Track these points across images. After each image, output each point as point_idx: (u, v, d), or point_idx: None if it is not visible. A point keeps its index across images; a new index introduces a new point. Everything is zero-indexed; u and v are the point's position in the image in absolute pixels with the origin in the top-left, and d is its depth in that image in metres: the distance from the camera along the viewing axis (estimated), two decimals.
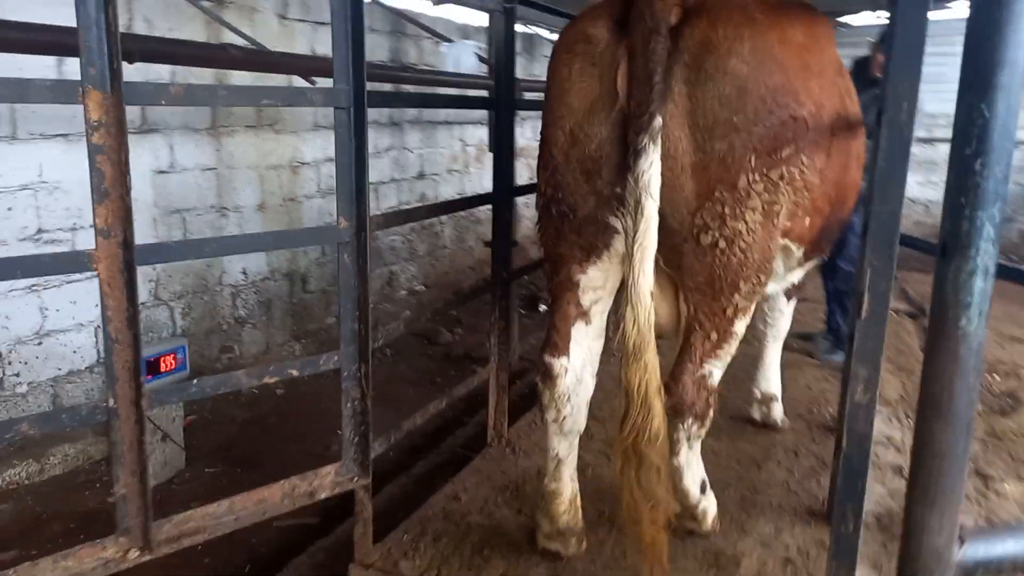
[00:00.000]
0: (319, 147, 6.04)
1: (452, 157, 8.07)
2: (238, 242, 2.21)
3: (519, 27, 8.85)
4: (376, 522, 3.50)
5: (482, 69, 5.94)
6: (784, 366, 4.71)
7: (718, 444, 3.78)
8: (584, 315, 2.69)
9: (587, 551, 2.90)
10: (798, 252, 2.90)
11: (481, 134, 8.47)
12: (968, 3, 1.18)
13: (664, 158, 2.31)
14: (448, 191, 8.08)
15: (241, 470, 4.54)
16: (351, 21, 2.31)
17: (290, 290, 5.89)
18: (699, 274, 2.50)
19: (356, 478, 2.62)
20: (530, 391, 5.43)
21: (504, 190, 3.46)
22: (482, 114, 8.38)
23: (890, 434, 4.90)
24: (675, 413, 2.64)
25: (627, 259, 2.31)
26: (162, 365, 3.98)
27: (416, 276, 7.63)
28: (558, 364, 2.69)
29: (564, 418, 2.76)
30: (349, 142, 2.40)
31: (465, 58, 5.69)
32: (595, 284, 2.65)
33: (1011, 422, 5.52)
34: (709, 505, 3.03)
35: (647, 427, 2.35)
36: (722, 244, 2.42)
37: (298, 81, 5.25)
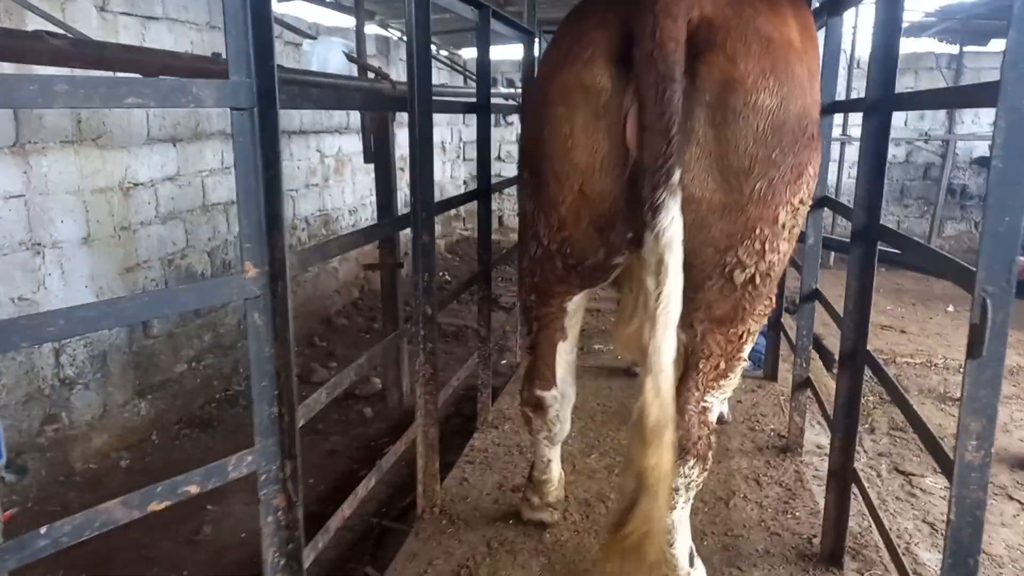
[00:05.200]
0: (156, 164, 5.05)
1: (310, 170, 7.22)
2: (101, 312, 1.45)
3: (376, 28, 8.17)
4: None
5: (352, 69, 5.21)
6: None
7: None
8: (564, 334, 2.66)
9: None
10: None
11: (341, 143, 7.66)
12: None
13: (688, 202, 2.04)
14: (307, 208, 7.22)
15: None
16: None
17: (128, 337, 4.86)
18: (720, 308, 2.25)
19: None
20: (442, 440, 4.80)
21: (424, 210, 2.83)
22: (341, 121, 7.59)
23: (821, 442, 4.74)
24: (679, 452, 2.34)
25: (648, 323, 2.02)
26: None
27: None
28: (549, 396, 2.72)
29: (555, 434, 2.84)
30: (253, 154, 1.72)
31: (333, 57, 4.95)
32: (576, 306, 2.60)
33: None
34: None
35: (660, 518, 2.02)
36: (757, 279, 2.21)
37: None
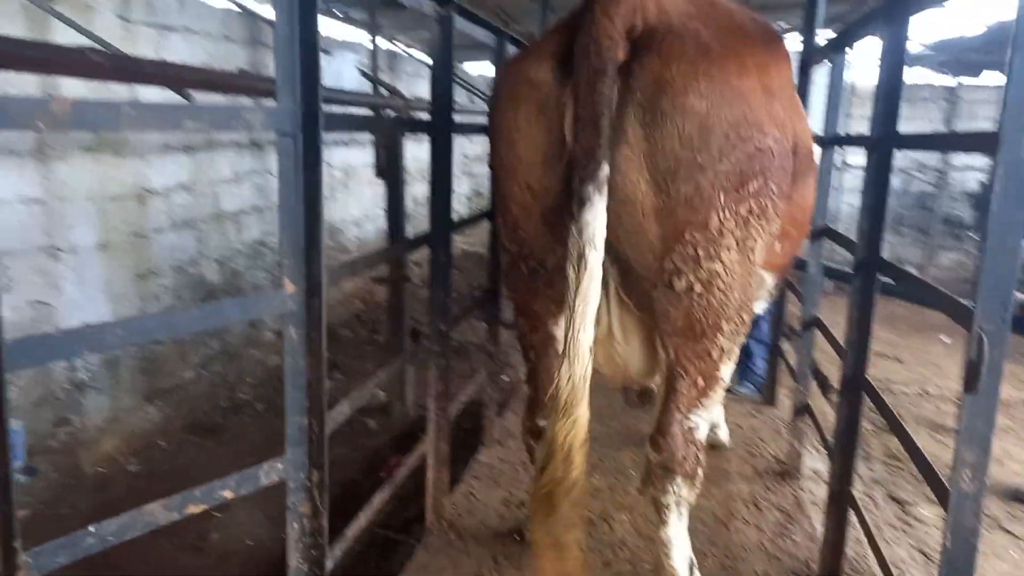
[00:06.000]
0: (170, 172, 5.15)
1: None
2: (154, 324, 1.54)
3: (381, 42, 8.32)
4: None
5: (364, 84, 5.33)
6: None
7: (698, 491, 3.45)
8: None
9: None
10: (770, 281, 2.78)
11: (348, 156, 7.78)
12: None
13: (623, 203, 2.14)
14: None
15: None
16: (300, 18, 1.72)
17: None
18: (677, 319, 2.31)
19: None
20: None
21: (443, 228, 2.93)
22: (349, 134, 7.71)
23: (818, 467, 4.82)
24: (664, 472, 2.46)
25: (567, 311, 2.08)
26: None
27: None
28: None
29: None
30: (296, 177, 1.80)
31: (347, 72, 5.06)
32: None
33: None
34: None
35: (565, 479, 2.13)
36: (698, 288, 2.24)
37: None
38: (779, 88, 2.37)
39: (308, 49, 1.76)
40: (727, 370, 2.46)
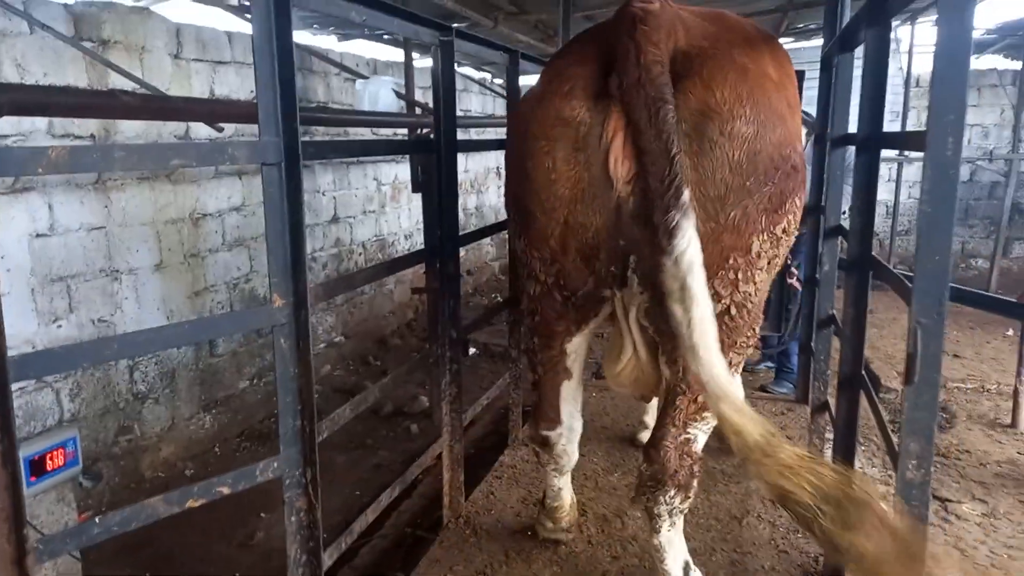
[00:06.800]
0: (223, 196, 5.49)
1: (367, 197, 7.62)
2: (147, 338, 1.75)
3: (430, 62, 8.56)
4: None
5: (401, 106, 5.56)
6: None
7: (693, 500, 3.50)
8: (568, 374, 2.73)
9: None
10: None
11: (397, 171, 8.06)
12: None
13: None
14: (364, 233, 7.61)
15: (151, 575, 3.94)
16: (278, 59, 1.91)
17: (195, 355, 5.28)
18: None
19: None
20: (475, 451, 5.02)
21: (449, 241, 3.09)
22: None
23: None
24: (655, 483, 2.50)
25: (688, 353, 1.97)
26: (48, 463, 3.36)
27: (334, 326, 7.11)
28: (554, 435, 2.81)
29: (562, 466, 2.98)
30: (281, 203, 1.98)
31: (383, 94, 5.30)
32: (577, 348, 2.68)
33: (952, 437, 5.53)
34: None
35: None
36: (733, 311, 2.25)
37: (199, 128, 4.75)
38: (793, 98, 2.37)
39: (287, 87, 1.95)
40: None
